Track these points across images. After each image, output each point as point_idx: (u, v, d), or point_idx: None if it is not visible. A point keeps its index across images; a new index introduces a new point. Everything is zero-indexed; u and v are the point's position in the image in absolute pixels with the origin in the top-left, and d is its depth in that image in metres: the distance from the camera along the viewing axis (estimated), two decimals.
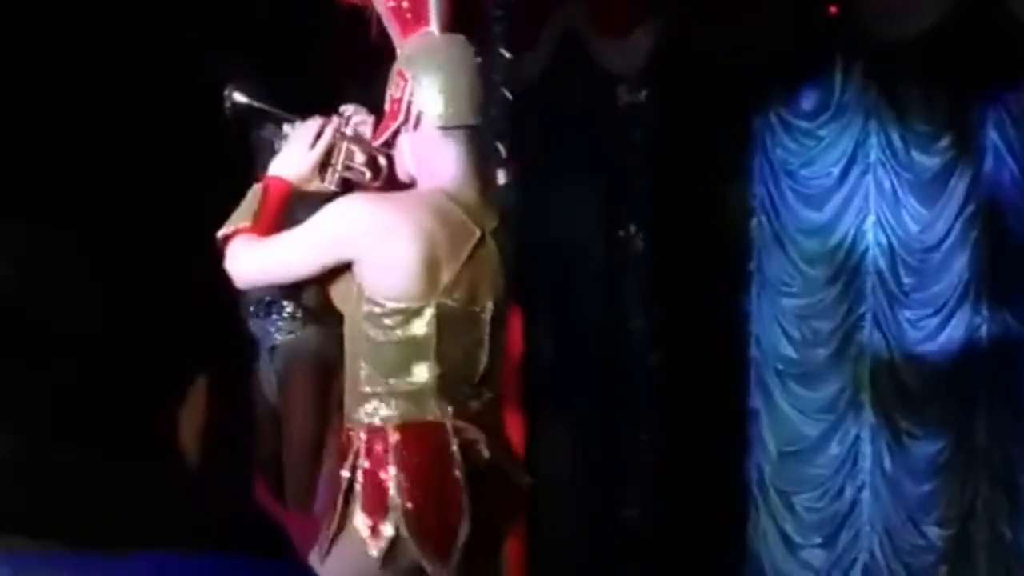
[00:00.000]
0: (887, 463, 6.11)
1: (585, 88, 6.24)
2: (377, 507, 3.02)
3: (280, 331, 5.81)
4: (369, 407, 3.07)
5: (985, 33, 5.42)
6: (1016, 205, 5.81)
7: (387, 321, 3.03)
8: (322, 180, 3.20)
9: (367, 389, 3.07)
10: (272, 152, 3.37)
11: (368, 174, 3.22)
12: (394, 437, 3.03)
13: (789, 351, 6.35)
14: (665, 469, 6.37)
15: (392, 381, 3.05)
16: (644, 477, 6.43)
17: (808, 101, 6.24)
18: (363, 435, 3.06)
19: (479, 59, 3.17)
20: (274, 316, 5.86)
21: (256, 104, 3.36)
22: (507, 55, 3.37)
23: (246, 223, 3.13)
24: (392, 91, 3.14)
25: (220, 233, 3.15)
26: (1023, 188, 5.79)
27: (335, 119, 3.22)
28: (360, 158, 3.22)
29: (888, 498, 6.10)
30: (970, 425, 5.90)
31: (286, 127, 3.28)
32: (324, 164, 3.20)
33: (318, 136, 3.19)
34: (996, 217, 5.85)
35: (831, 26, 5.69)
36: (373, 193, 3.17)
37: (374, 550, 3.00)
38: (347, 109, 3.27)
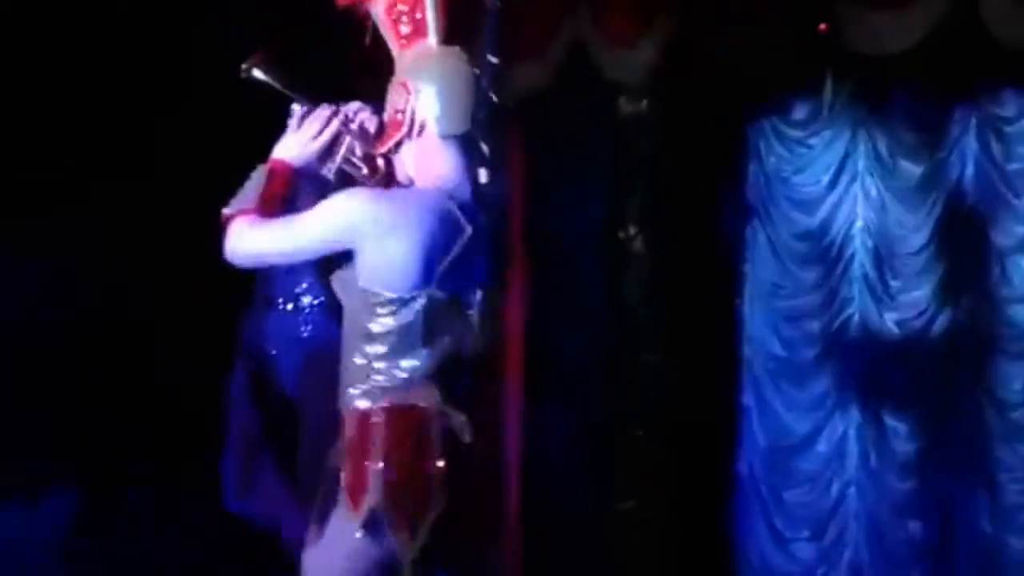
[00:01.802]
0: (873, 460, 6.21)
1: (590, 98, 6.37)
2: (359, 486, 3.15)
3: (308, 324, 5.91)
4: (359, 391, 3.21)
5: (966, 50, 5.55)
6: (996, 211, 5.93)
7: (380, 310, 3.17)
8: (320, 169, 3.35)
9: (361, 374, 3.20)
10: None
11: (365, 170, 3.37)
12: (378, 419, 3.17)
13: (780, 351, 6.46)
14: (660, 464, 6.50)
15: (384, 367, 3.18)
16: (639, 472, 6.57)
17: (800, 112, 6.39)
18: (353, 419, 3.21)
19: (476, 71, 3.31)
20: (305, 309, 5.95)
21: (273, 83, 3.42)
22: (494, 62, 3.49)
23: (249, 204, 3.27)
24: (395, 101, 3.29)
25: (225, 212, 3.29)
26: (1003, 196, 5.92)
27: (342, 112, 3.37)
28: (359, 153, 3.37)
29: (873, 494, 6.20)
30: (953, 423, 6.01)
31: (294, 107, 3.38)
32: (325, 154, 3.34)
33: (325, 126, 3.33)
34: (977, 223, 5.97)
35: (822, 42, 5.80)
36: (376, 188, 3.29)
37: (356, 524, 3.13)
38: (353, 105, 3.43)
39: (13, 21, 5.56)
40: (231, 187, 3.35)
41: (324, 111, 3.36)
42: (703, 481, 6.49)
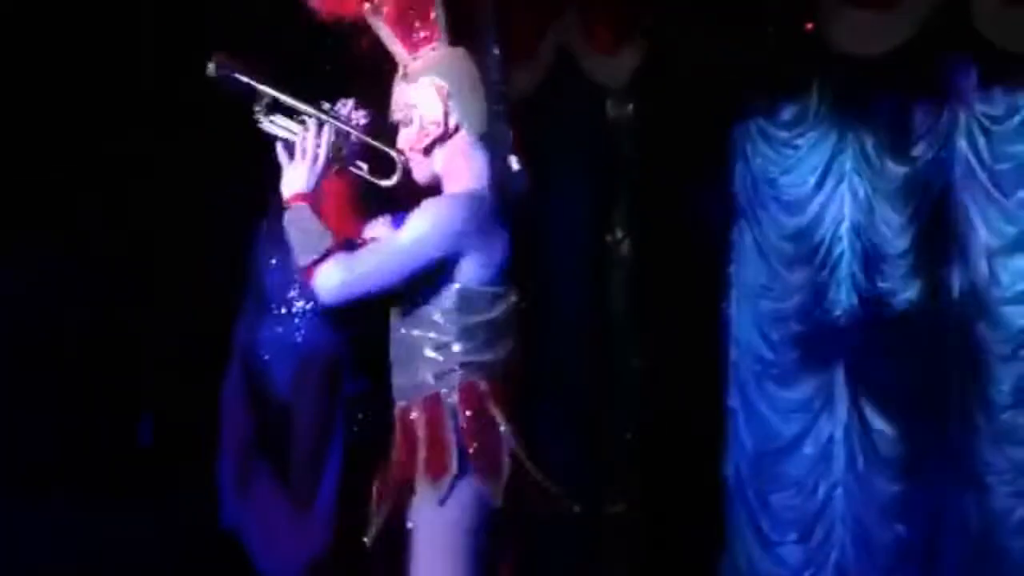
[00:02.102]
0: (860, 462, 6.20)
1: (576, 101, 6.41)
2: (439, 463, 3.32)
3: (302, 329, 5.89)
4: (441, 380, 3.35)
5: (953, 49, 5.59)
6: (984, 212, 5.92)
7: (479, 305, 3.33)
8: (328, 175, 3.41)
9: (459, 360, 3.34)
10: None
11: (365, 166, 3.45)
12: (453, 399, 3.33)
13: (766, 352, 6.46)
14: (647, 467, 6.50)
15: (481, 354, 3.34)
16: (628, 474, 6.59)
17: (787, 113, 6.39)
18: (455, 395, 3.34)
19: (488, 66, 3.43)
20: (299, 314, 5.94)
21: (241, 78, 3.43)
22: (497, 54, 3.55)
23: (318, 250, 3.31)
24: (424, 105, 3.37)
25: (304, 266, 3.35)
26: (991, 195, 5.91)
27: (333, 113, 3.42)
28: (355, 149, 3.45)
29: (860, 496, 6.19)
30: (941, 426, 5.99)
31: (279, 148, 3.41)
32: (330, 162, 3.39)
33: (317, 142, 3.38)
34: (965, 223, 5.96)
35: (809, 43, 5.80)
36: (447, 196, 3.37)
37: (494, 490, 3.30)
38: (348, 104, 3.49)
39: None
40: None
41: (306, 129, 3.39)
42: (690, 484, 6.47)
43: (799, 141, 6.35)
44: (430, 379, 3.36)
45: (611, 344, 6.62)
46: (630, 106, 6.53)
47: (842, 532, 6.27)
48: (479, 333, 3.33)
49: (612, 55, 6.01)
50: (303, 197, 3.37)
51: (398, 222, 3.42)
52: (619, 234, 6.59)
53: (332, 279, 3.32)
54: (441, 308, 3.35)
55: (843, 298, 6.29)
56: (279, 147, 3.41)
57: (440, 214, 3.29)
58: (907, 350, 6.10)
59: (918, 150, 6.07)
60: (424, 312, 3.37)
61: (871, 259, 6.21)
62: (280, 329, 5.84)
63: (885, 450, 6.15)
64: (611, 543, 6.57)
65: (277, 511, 5.77)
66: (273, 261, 5.97)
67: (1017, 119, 5.85)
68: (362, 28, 3.47)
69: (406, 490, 3.39)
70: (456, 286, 3.32)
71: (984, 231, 5.93)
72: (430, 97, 3.38)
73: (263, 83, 3.40)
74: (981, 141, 5.92)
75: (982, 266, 5.93)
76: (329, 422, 5.81)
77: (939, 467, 6.02)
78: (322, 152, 3.38)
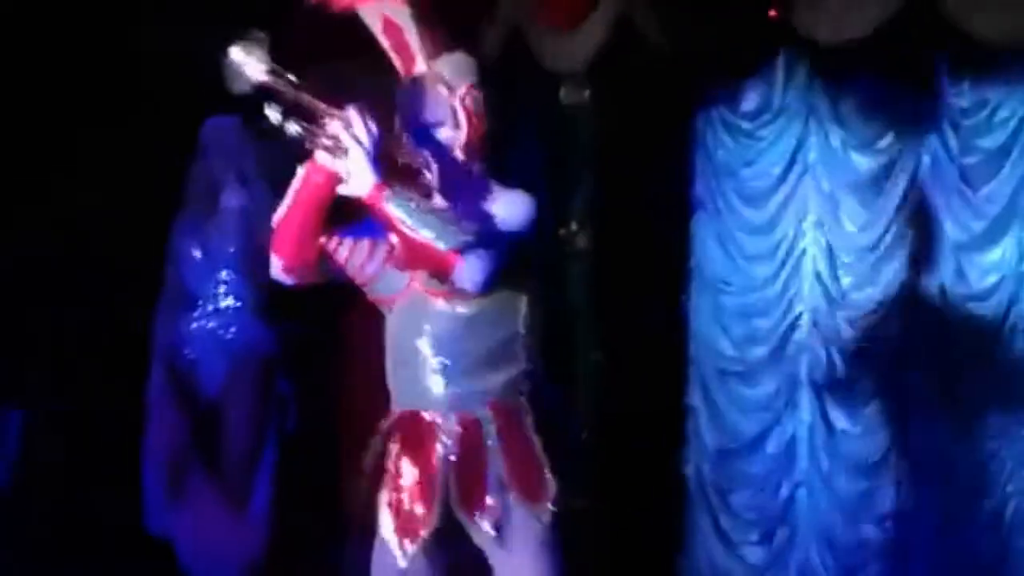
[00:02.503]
0: (823, 461, 6.13)
1: (529, 87, 6.20)
2: (528, 472, 3.35)
3: (234, 326, 5.77)
4: (513, 387, 3.37)
5: (923, 37, 5.46)
6: (952, 206, 5.85)
7: (524, 310, 3.40)
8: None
9: (527, 367, 3.37)
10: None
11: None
12: (524, 409, 3.39)
13: (728, 349, 6.37)
14: (606, 464, 6.34)
15: (516, 359, 3.39)
16: (584, 474, 6.49)
17: (750, 102, 6.27)
18: (490, 412, 3.33)
19: None
20: (230, 310, 5.83)
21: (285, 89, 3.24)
22: None
23: (460, 233, 3.19)
24: (469, 104, 3.40)
25: (444, 251, 3.18)
26: (960, 190, 5.83)
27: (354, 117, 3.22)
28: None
29: (824, 496, 6.12)
30: (905, 424, 5.93)
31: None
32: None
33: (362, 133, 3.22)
34: (933, 218, 5.89)
35: (773, 30, 5.70)
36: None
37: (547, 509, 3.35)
38: (359, 108, 3.29)
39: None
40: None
41: (341, 124, 3.20)
42: (650, 483, 6.37)
43: (762, 132, 6.23)
44: (501, 385, 3.33)
45: (568, 339, 6.46)
46: (587, 93, 6.40)
47: (805, 532, 6.19)
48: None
49: (568, 37, 5.84)
50: (380, 187, 3.17)
51: (355, 231, 3.38)
52: (575, 226, 6.47)
53: (476, 270, 3.20)
54: (518, 310, 3.35)
55: (806, 293, 6.19)
56: (320, 153, 3.22)
57: (524, 203, 3.34)
58: (872, 346, 6.01)
59: (885, 142, 5.97)
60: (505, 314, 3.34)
61: (835, 254, 6.12)
62: (210, 325, 5.73)
63: (849, 449, 6.08)
64: (570, 541, 6.46)
65: (213, 514, 5.68)
66: (197, 254, 5.86)
67: (986, 112, 5.77)
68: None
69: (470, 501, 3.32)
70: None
71: (951, 226, 5.86)
72: (471, 98, 3.43)
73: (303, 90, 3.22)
74: (950, 134, 5.84)
75: (949, 261, 5.85)
76: (265, 421, 5.70)
77: (903, 465, 5.95)
78: (368, 139, 3.18)
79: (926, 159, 5.88)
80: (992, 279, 5.77)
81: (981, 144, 5.78)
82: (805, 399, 6.18)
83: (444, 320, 3.35)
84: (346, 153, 3.16)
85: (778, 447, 6.24)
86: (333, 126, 3.17)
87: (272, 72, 3.08)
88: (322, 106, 3.19)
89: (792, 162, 6.17)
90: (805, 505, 6.19)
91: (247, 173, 5.91)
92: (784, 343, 6.21)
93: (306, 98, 3.16)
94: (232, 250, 5.85)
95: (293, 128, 3.18)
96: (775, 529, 6.25)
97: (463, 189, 3.35)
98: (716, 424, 6.40)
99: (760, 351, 6.27)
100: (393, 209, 3.15)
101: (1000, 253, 5.76)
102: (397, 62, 3.48)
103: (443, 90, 3.38)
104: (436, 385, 3.36)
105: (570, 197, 6.49)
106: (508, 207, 3.31)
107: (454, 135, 3.39)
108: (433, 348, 3.36)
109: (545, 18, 5.87)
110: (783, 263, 6.21)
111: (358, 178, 3.17)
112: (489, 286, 3.24)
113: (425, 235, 3.15)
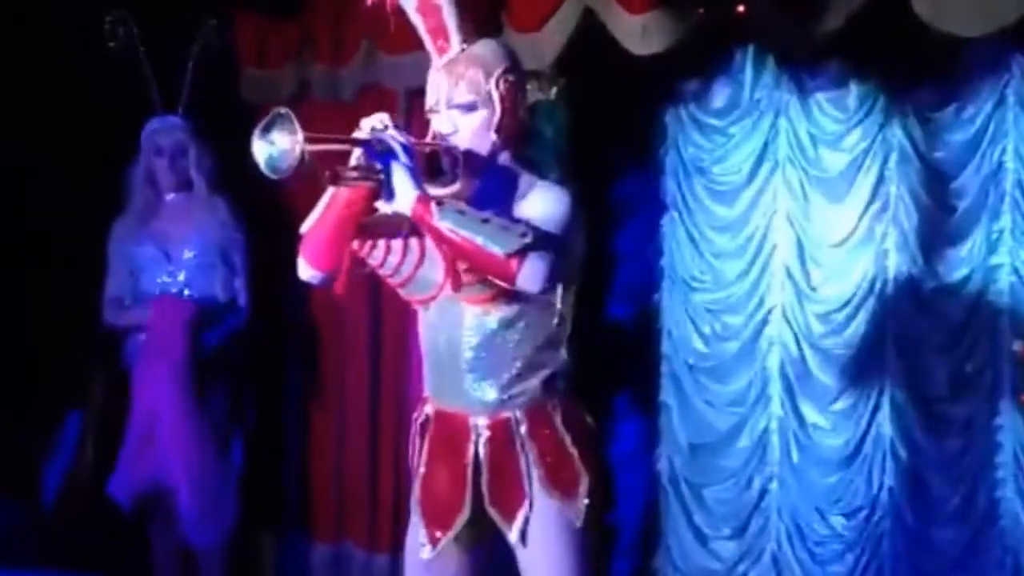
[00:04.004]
0: (795, 455, 6.12)
1: None
2: (566, 472, 3.36)
3: (174, 323, 5.78)
4: (545, 388, 3.37)
5: (891, 34, 5.44)
6: (921, 202, 5.83)
7: (567, 300, 3.38)
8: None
9: (555, 370, 3.37)
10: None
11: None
12: (554, 406, 3.37)
13: (700, 345, 6.35)
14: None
15: (552, 358, 3.37)
16: None
17: (719, 99, 6.25)
18: (521, 414, 3.33)
19: None
20: (171, 307, 5.85)
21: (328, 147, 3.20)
22: None
23: (517, 237, 3.14)
24: (509, 96, 3.46)
25: (504, 256, 3.12)
26: (928, 185, 5.82)
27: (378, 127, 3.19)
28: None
29: (796, 489, 6.12)
30: (876, 418, 5.92)
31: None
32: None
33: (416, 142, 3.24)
34: (901, 214, 5.86)
35: (741, 26, 5.67)
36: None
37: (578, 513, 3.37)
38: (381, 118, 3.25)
39: None
40: None
41: (371, 143, 3.14)
42: (623, 479, 6.37)
43: (732, 129, 6.21)
44: (538, 387, 3.33)
45: None
46: (554, 90, 6.31)
47: (777, 525, 6.19)
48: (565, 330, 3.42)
49: (535, 34, 5.76)
50: (424, 200, 3.11)
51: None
52: None
53: (538, 270, 3.15)
54: (553, 305, 3.33)
55: (777, 289, 6.18)
56: (353, 173, 3.16)
57: (568, 204, 3.38)
58: (842, 341, 6.01)
59: (853, 138, 5.96)
60: (544, 314, 3.32)
61: (805, 249, 6.10)
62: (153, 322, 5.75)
63: (820, 442, 6.08)
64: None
65: (215, 477, 5.78)
66: (139, 252, 5.91)
67: (953, 107, 5.77)
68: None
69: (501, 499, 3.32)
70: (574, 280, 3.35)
71: (921, 220, 5.83)
72: (508, 88, 3.50)
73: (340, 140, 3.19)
74: (918, 129, 5.82)
75: (918, 256, 5.83)
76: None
77: (874, 458, 5.94)
78: (403, 151, 3.12)
79: (895, 154, 5.86)
80: (962, 272, 5.76)
81: (949, 138, 5.77)
82: (776, 394, 6.17)
83: (480, 325, 3.31)
84: (380, 174, 3.12)
85: (750, 441, 6.23)
86: (361, 156, 3.13)
87: (308, 139, 2.98)
88: (350, 138, 3.15)
89: (762, 158, 6.15)
90: (777, 498, 6.18)
91: (188, 173, 5.91)
92: (755, 338, 6.19)
93: (333, 139, 3.16)
94: (177, 247, 5.87)
95: (331, 177, 3.14)
96: (748, 522, 6.25)
97: (496, 179, 3.36)
98: (689, 420, 6.38)
99: (731, 347, 6.26)
100: (443, 222, 3.10)
101: (969, 247, 5.74)
102: (430, 44, 3.43)
103: (478, 73, 3.34)
104: (473, 390, 3.34)
105: None
106: (546, 202, 3.31)
107: (488, 118, 3.37)
108: (469, 352, 3.33)
109: (510, 15, 5.80)
110: (753, 259, 6.19)
111: (401, 196, 3.12)
112: (552, 284, 3.22)
113: (481, 243, 3.10)
